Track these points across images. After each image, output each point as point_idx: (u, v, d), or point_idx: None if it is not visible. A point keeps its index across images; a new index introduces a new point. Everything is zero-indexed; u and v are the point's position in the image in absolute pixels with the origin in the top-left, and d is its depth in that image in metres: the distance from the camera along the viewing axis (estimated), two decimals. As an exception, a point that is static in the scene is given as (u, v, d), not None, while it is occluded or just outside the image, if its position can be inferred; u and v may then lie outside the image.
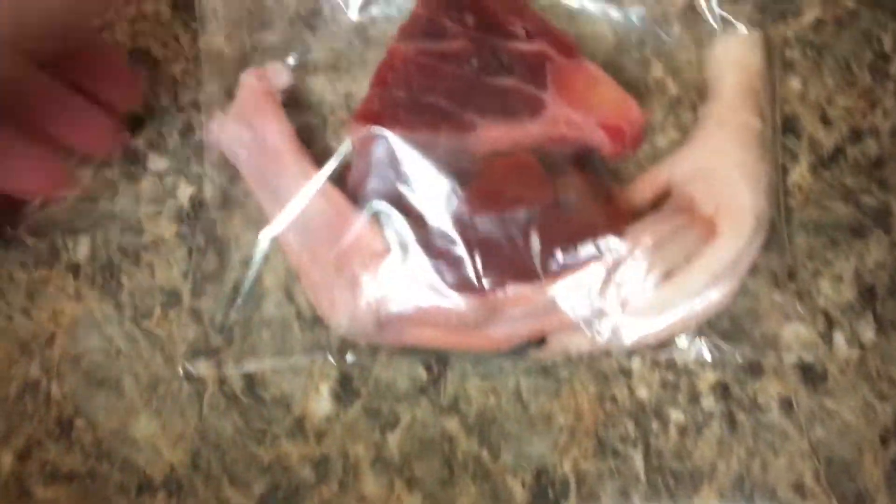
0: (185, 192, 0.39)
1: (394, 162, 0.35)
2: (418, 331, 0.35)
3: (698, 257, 0.34)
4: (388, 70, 0.35)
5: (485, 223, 0.34)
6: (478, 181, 0.34)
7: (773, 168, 0.36)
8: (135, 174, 0.39)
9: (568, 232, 0.34)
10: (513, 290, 0.34)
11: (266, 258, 0.38)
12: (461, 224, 0.34)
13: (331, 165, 0.35)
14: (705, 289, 0.34)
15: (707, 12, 0.39)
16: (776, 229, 0.36)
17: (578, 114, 0.35)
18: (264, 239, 0.36)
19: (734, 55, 0.36)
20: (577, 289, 0.34)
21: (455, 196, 0.34)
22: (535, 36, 0.36)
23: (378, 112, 0.34)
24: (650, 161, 0.38)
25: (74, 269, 0.38)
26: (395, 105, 0.34)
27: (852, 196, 0.38)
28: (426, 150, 0.34)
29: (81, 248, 0.39)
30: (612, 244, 0.34)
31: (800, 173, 0.39)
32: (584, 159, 0.37)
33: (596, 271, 0.34)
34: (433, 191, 0.35)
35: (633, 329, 0.35)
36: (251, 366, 0.38)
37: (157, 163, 0.39)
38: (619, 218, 0.34)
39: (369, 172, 0.35)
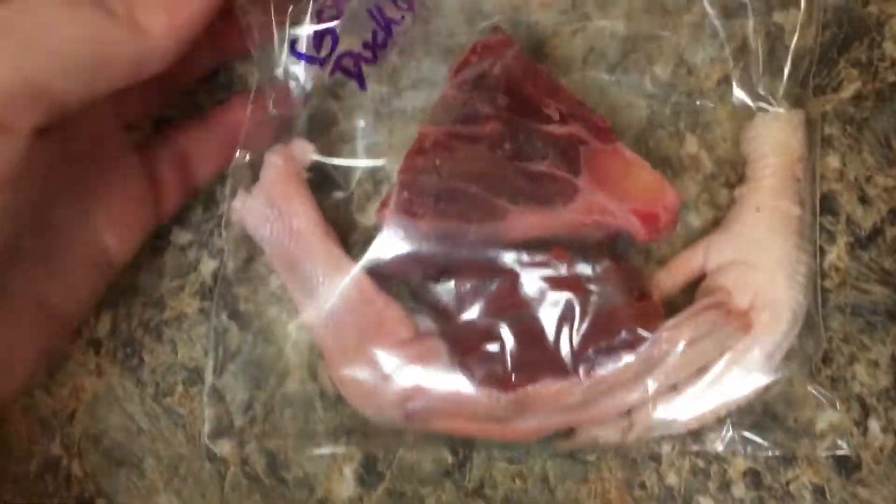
0: (208, 266, 0.38)
1: (423, 251, 0.34)
2: (445, 422, 0.34)
3: (732, 352, 0.33)
4: (418, 154, 0.34)
5: (514, 317, 0.33)
6: (507, 274, 0.33)
7: (812, 257, 0.35)
8: (157, 247, 0.38)
9: (601, 328, 0.33)
10: (543, 385, 0.33)
11: (288, 336, 0.37)
12: (489, 317, 0.34)
13: (362, 258, 0.35)
14: (739, 383, 0.34)
15: (743, 87, 0.38)
16: (813, 317, 0.36)
17: (612, 200, 0.34)
18: (293, 328, 0.35)
19: (773, 136, 0.35)
20: (609, 385, 0.33)
21: (483, 287, 0.34)
22: (570, 118, 0.35)
23: (407, 201, 0.33)
24: (682, 240, 0.38)
25: (96, 345, 0.38)
26: (424, 193, 0.34)
27: (891, 278, 0.38)
28: (456, 239, 0.34)
29: (103, 324, 0.38)
30: (645, 341, 0.33)
31: (837, 254, 0.38)
32: (615, 242, 0.36)
33: (629, 368, 0.33)
34: (461, 279, 0.34)
35: (665, 423, 0.34)
36: (273, 444, 0.37)
37: (179, 236, 0.39)
38: (653, 313, 0.34)
39: (397, 258, 0.35)
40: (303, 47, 0.36)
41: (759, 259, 0.34)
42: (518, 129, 0.35)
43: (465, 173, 0.34)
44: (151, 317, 0.38)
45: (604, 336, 0.33)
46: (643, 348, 0.33)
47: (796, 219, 0.35)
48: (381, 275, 0.35)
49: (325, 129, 0.38)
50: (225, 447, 0.37)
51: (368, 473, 0.37)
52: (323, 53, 0.36)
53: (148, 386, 0.38)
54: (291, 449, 0.38)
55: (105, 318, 0.38)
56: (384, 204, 0.35)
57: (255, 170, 0.37)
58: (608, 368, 0.33)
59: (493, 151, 0.34)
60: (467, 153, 0.34)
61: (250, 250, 0.38)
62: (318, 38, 0.37)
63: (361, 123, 0.38)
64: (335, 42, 0.37)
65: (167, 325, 0.38)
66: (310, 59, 0.36)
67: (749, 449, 0.36)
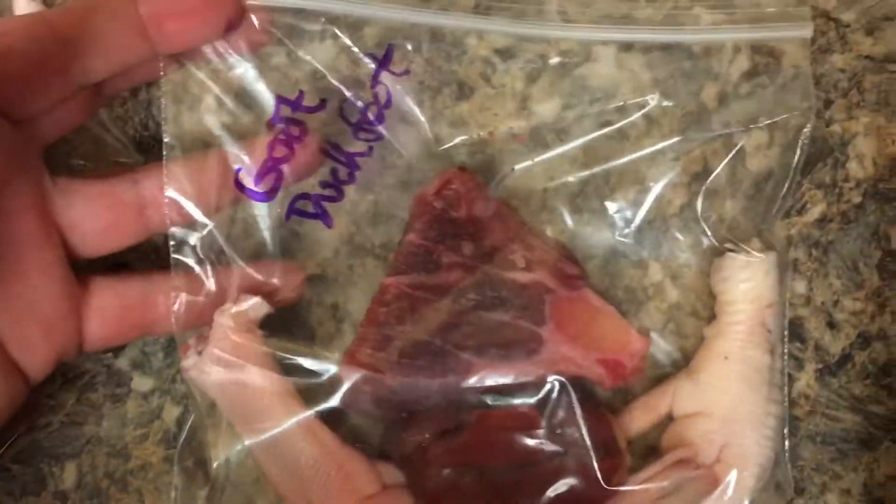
0: (171, 413, 0.39)
1: (385, 402, 0.34)
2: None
3: (699, 507, 0.33)
4: (381, 305, 0.35)
5: (481, 472, 0.33)
6: (473, 430, 0.33)
7: (781, 406, 0.35)
8: (120, 396, 0.39)
9: (567, 484, 0.33)
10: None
11: (256, 481, 0.37)
12: (456, 470, 0.34)
13: (319, 408, 0.35)
14: (707, 535, 0.34)
15: (706, 213, 0.38)
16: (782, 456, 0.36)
17: (578, 350, 0.35)
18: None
19: (743, 282, 0.35)
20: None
21: (450, 439, 0.34)
22: (536, 265, 0.35)
23: (370, 356, 0.33)
24: (648, 371, 0.38)
25: (62, 497, 0.38)
26: (387, 347, 0.34)
27: (861, 405, 0.38)
28: (419, 391, 0.34)
29: (68, 475, 0.38)
30: (613, 498, 0.33)
31: (806, 382, 0.38)
32: (578, 384, 0.36)
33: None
34: (425, 432, 0.34)
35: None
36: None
37: (141, 383, 0.39)
38: (621, 469, 0.34)
39: (361, 410, 0.35)
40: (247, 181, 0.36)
41: (727, 411, 0.34)
42: (483, 279, 0.35)
43: (429, 325, 0.34)
44: (116, 467, 0.38)
45: (569, 493, 0.33)
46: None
47: (765, 368, 0.35)
48: (344, 424, 0.36)
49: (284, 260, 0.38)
50: None
51: None
52: (262, 189, 0.35)
53: (115, 537, 0.38)
54: None
55: (70, 470, 0.38)
56: (346, 358, 0.34)
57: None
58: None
59: (458, 302, 0.34)
60: (431, 304, 0.34)
61: (209, 405, 0.37)
62: (262, 173, 0.36)
63: (320, 258, 0.38)
64: (279, 180, 0.36)
65: (132, 474, 0.38)
66: (251, 194, 0.36)
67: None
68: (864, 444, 0.38)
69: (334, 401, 0.35)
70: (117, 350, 0.39)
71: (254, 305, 0.36)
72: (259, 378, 0.35)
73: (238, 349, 0.35)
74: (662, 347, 0.38)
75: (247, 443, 0.35)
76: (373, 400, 0.34)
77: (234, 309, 0.35)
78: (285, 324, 0.38)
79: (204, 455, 0.38)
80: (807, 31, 0.35)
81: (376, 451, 0.36)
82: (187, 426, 0.38)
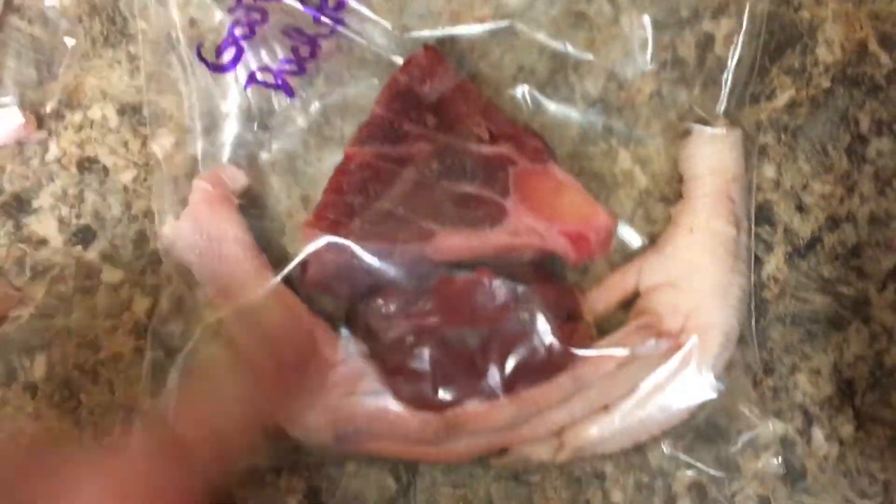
0: (141, 304, 0.39)
1: (348, 270, 0.35)
2: (376, 444, 0.35)
3: (664, 374, 0.34)
4: (344, 175, 0.35)
5: (442, 337, 0.34)
6: (435, 295, 0.34)
7: (746, 278, 0.35)
8: (89, 288, 0.39)
9: (529, 349, 0.34)
10: (471, 406, 0.34)
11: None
12: (418, 337, 0.34)
13: (287, 270, 0.35)
14: (670, 404, 0.34)
15: (676, 101, 0.38)
16: (747, 336, 0.36)
17: (541, 222, 0.35)
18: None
19: (709, 156, 0.36)
20: (538, 406, 0.34)
21: (411, 307, 0.34)
22: (500, 139, 0.36)
23: (332, 220, 0.34)
24: (618, 255, 0.38)
25: (32, 389, 0.39)
26: (349, 213, 0.34)
27: (830, 287, 0.38)
28: (382, 258, 0.34)
29: (38, 367, 0.39)
30: (573, 362, 0.33)
31: (775, 265, 0.38)
32: (546, 262, 0.37)
33: (557, 389, 0.33)
34: (389, 300, 0.35)
35: (596, 443, 0.35)
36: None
37: (111, 275, 0.39)
38: (583, 333, 0.34)
39: (324, 279, 0.35)
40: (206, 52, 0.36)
41: (691, 282, 0.35)
42: (446, 150, 0.35)
43: (392, 194, 0.34)
44: (86, 358, 0.39)
45: (531, 357, 0.34)
46: (572, 369, 0.33)
47: (730, 240, 0.35)
48: (309, 297, 0.36)
49: (253, 158, 0.38)
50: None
51: (313, 505, 0.38)
52: (224, 61, 0.36)
53: (86, 427, 0.38)
54: (236, 485, 0.38)
55: (40, 361, 0.39)
56: (309, 221, 0.35)
57: (182, 202, 0.37)
58: (536, 389, 0.33)
59: (421, 172, 0.35)
60: (394, 174, 0.35)
61: (187, 283, 0.38)
62: (221, 48, 0.37)
63: (289, 150, 0.38)
64: (239, 54, 0.37)
65: (103, 365, 0.39)
66: (212, 66, 0.36)
67: (688, 467, 0.36)
68: (833, 325, 0.38)
69: (300, 257, 0.35)
70: (86, 242, 0.39)
71: (232, 174, 0.36)
72: (233, 244, 0.36)
73: (214, 214, 0.35)
74: (631, 234, 0.39)
75: (221, 312, 0.36)
76: (336, 269, 0.34)
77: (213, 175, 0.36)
78: (256, 213, 0.38)
79: (173, 344, 0.38)
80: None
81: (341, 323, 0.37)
82: (157, 317, 0.38)
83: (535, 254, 0.36)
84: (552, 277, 0.36)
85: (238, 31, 0.36)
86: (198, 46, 0.36)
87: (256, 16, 0.37)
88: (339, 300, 0.36)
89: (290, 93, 0.37)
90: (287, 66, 0.37)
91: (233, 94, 0.37)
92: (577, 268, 0.38)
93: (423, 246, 0.34)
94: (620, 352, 0.34)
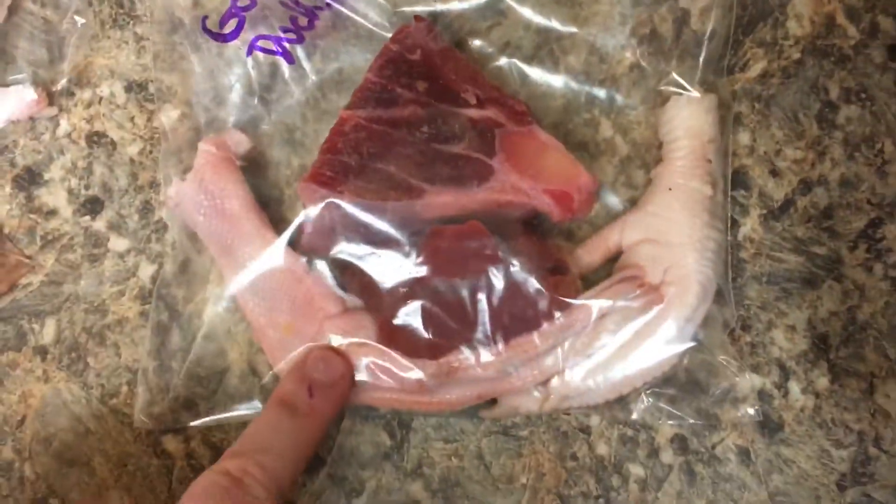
0: (146, 271, 0.41)
1: (343, 225, 0.37)
2: (371, 393, 0.37)
3: (646, 324, 0.36)
4: (339, 136, 0.37)
5: (434, 289, 0.36)
6: (426, 247, 0.36)
7: (722, 234, 0.38)
8: (97, 256, 0.41)
9: (517, 299, 0.35)
10: (463, 354, 0.35)
11: (228, 332, 0.40)
12: (411, 289, 0.36)
13: (288, 231, 0.37)
14: (652, 353, 0.36)
15: (655, 72, 0.40)
16: (724, 290, 0.38)
17: (526, 181, 0.37)
18: (223, 298, 0.38)
19: (685, 119, 0.38)
20: (526, 355, 0.36)
21: (404, 261, 0.36)
22: (487, 103, 0.38)
23: (328, 177, 0.36)
24: (602, 220, 0.40)
25: (42, 352, 0.40)
26: (344, 171, 0.36)
27: (803, 247, 0.40)
28: (375, 214, 0.36)
29: (48, 331, 0.41)
30: (560, 313, 0.35)
31: (751, 226, 0.40)
32: (533, 221, 0.39)
33: (544, 337, 0.35)
34: (382, 255, 0.37)
35: (580, 393, 0.36)
36: (217, 438, 0.40)
37: (117, 243, 0.41)
38: (569, 285, 0.36)
39: (320, 234, 0.37)
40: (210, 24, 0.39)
41: (671, 236, 0.37)
42: (436, 113, 0.37)
43: (384, 154, 0.37)
44: (94, 322, 0.41)
45: (520, 307, 0.36)
46: (558, 318, 0.35)
47: (707, 198, 0.37)
48: (309, 255, 0.38)
49: (254, 129, 0.41)
50: (170, 443, 0.40)
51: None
52: (227, 30, 0.38)
53: (94, 388, 0.40)
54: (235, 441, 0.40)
55: (49, 326, 0.41)
56: (306, 178, 0.37)
57: (186, 171, 0.39)
58: (524, 338, 0.35)
59: (412, 134, 0.37)
60: (386, 136, 0.37)
61: (191, 249, 0.40)
62: (226, 18, 0.39)
63: (288, 122, 0.41)
64: (241, 24, 0.39)
65: (110, 329, 0.41)
66: (215, 36, 0.39)
67: (673, 410, 0.38)
68: (807, 283, 0.40)
69: (300, 218, 0.37)
70: (94, 212, 0.41)
71: (236, 138, 0.39)
72: (236, 203, 0.38)
73: (218, 175, 0.38)
74: (614, 199, 0.41)
75: (223, 270, 0.38)
76: (332, 230, 0.36)
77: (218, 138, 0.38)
78: (255, 184, 0.40)
79: (177, 308, 0.40)
80: None
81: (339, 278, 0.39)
82: (161, 282, 0.40)
83: (521, 212, 0.38)
84: (538, 234, 0.38)
85: (240, 2, 0.38)
86: (203, 18, 0.38)
87: (259, -14, 0.40)
88: (336, 257, 0.38)
89: (289, 59, 0.39)
90: (286, 35, 0.39)
91: (235, 68, 0.39)
92: (565, 229, 0.40)
93: (414, 203, 0.36)
94: (604, 302, 0.36)
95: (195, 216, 0.38)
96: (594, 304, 0.36)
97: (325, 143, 0.37)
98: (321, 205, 0.36)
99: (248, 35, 0.39)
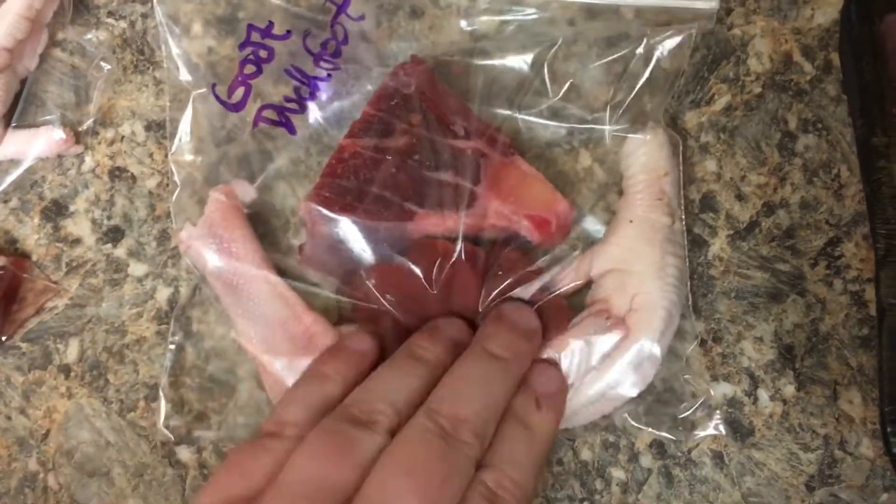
0: (163, 294, 0.45)
1: (340, 242, 0.41)
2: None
3: (618, 350, 0.40)
4: (339, 162, 0.42)
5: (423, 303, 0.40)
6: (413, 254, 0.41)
7: (681, 260, 0.43)
8: (117, 280, 0.46)
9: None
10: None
11: (238, 351, 0.44)
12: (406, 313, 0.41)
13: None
14: (628, 375, 0.40)
15: (627, 106, 0.45)
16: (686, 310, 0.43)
17: (508, 206, 0.42)
18: (232, 337, 0.42)
19: (641, 157, 0.43)
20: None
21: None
22: (474, 135, 0.43)
23: (327, 197, 0.41)
24: (583, 244, 0.45)
25: (66, 370, 0.45)
26: (342, 193, 0.41)
27: (768, 264, 0.45)
28: (369, 233, 0.41)
29: (71, 351, 0.45)
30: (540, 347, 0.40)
31: (719, 246, 0.45)
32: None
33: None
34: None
35: (568, 417, 0.41)
36: (228, 449, 0.44)
37: (137, 269, 0.46)
38: (560, 310, 0.41)
39: (319, 251, 0.42)
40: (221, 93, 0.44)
41: (634, 265, 0.42)
42: (427, 143, 0.42)
43: (379, 179, 0.42)
44: (114, 342, 0.45)
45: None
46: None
47: (665, 228, 0.42)
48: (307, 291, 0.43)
49: (263, 166, 0.46)
50: (184, 454, 0.44)
51: (314, 468, 0.43)
52: (233, 100, 0.44)
53: (113, 403, 0.45)
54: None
55: (73, 346, 0.45)
56: (308, 197, 0.42)
57: (198, 204, 0.44)
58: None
59: (405, 162, 0.42)
60: (381, 163, 0.42)
61: (201, 277, 0.44)
62: (232, 87, 0.45)
63: (293, 157, 0.46)
64: (247, 93, 0.44)
65: (128, 348, 0.45)
66: (226, 106, 0.44)
67: (650, 419, 0.42)
68: (773, 298, 0.45)
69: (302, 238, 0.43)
70: (115, 241, 0.46)
71: (242, 188, 0.44)
72: (242, 247, 0.43)
73: (227, 220, 0.42)
74: (594, 223, 0.45)
75: (227, 303, 0.42)
76: (327, 242, 0.41)
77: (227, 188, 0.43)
78: (264, 211, 0.45)
79: (191, 328, 0.44)
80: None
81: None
82: (177, 304, 0.45)
83: (504, 235, 0.42)
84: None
85: (247, 70, 0.44)
86: (212, 86, 0.44)
87: (264, 53, 0.45)
88: (331, 276, 0.43)
89: (292, 130, 0.45)
90: (289, 105, 0.44)
91: (242, 115, 0.45)
92: (541, 249, 0.44)
93: (405, 224, 0.41)
94: (578, 342, 0.40)
95: (204, 259, 0.42)
96: (565, 339, 0.41)
97: (325, 168, 0.42)
98: (319, 221, 0.41)
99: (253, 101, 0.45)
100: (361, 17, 0.46)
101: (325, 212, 0.41)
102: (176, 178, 0.44)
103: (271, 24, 0.46)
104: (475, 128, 0.43)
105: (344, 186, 0.41)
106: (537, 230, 0.42)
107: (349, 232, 0.41)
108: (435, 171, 0.42)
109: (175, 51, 0.46)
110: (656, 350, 0.41)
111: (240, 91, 0.45)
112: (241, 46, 0.46)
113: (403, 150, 0.42)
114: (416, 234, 0.41)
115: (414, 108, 0.42)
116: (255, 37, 0.46)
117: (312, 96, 0.46)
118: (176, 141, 0.45)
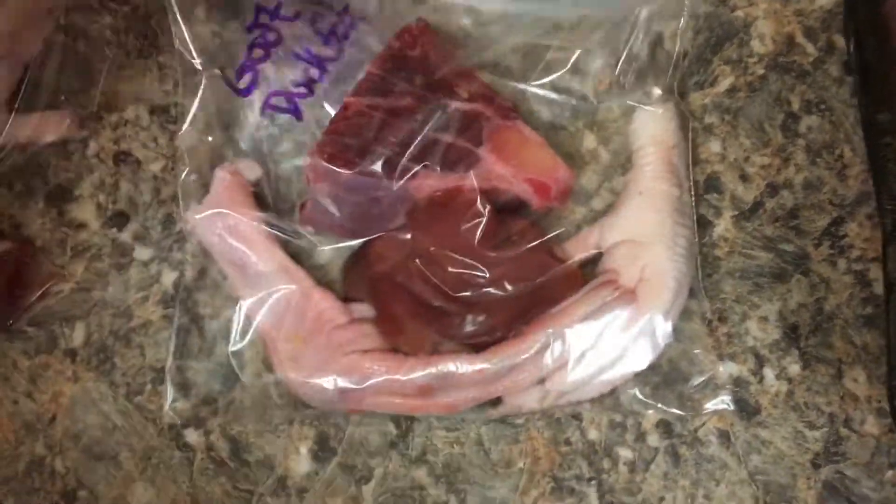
0: (168, 277, 0.46)
1: (343, 197, 0.42)
2: (376, 399, 0.42)
3: (627, 321, 0.41)
4: (342, 120, 0.43)
5: (428, 260, 0.41)
6: (413, 216, 0.42)
7: (691, 231, 0.43)
8: (123, 264, 0.46)
9: (515, 304, 0.41)
10: (460, 361, 0.40)
11: (244, 332, 0.45)
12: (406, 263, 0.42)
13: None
14: (637, 346, 0.41)
15: (631, 88, 0.46)
16: (696, 283, 0.43)
17: (509, 169, 0.43)
18: (238, 314, 0.43)
19: (650, 129, 0.44)
20: (513, 358, 0.41)
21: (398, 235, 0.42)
22: (476, 98, 0.44)
23: (330, 153, 0.41)
24: (589, 223, 0.45)
25: (72, 354, 0.45)
26: (345, 150, 0.42)
27: (772, 244, 0.45)
28: (370, 191, 0.42)
29: (77, 335, 0.46)
30: (545, 316, 0.41)
31: (724, 227, 0.46)
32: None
33: (530, 342, 0.40)
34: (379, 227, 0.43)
35: (576, 388, 0.42)
36: (235, 431, 0.44)
37: (142, 253, 0.46)
38: (573, 276, 0.41)
39: (319, 209, 0.43)
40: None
41: (643, 236, 0.42)
42: (430, 104, 0.43)
43: (382, 138, 0.42)
44: (120, 326, 0.46)
45: (520, 312, 0.41)
46: (542, 323, 0.40)
47: (674, 199, 0.43)
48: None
49: (272, 147, 0.46)
50: (191, 436, 0.44)
51: (322, 450, 0.44)
52: (242, 85, 0.44)
53: (120, 387, 0.45)
54: (252, 434, 0.44)
55: (79, 330, 0.46)
56: (311, 152, 0.43)
57: (203, 187, 0.44)
58: (511, 344, 0.40)
59: (408, 121, 0.42)
60: (384, 122, 0.43)
61: (206, 260, 0.45)
62: (240, 72, 0.45)
63: (297, 139, 0.46)
64: (255, 78, 0.45)
65: (135, 332, 0.46)
66: (234, 90, 0.45)
67: (656, 399, 0.43)
68: (777, 278, 0.45)
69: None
70: (121, 225, 0.47)
71: (248, 166, 0.44)
72: (247, 225, 0.43)
73: (232, 197, 0.43)
74: (600, 203, 0.46)
75: (236, 287, 0.43)
76: (331, 197, 0.41)
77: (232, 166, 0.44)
78: (269, 194, 0.46)
79: (197, 311, 0.45)
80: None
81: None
82: (182, 287, 0.45)
83: (504, 198, 0.43)
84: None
85: (255, 54, 0.45)
86: (220, 69, 0.45)
87: (272, 36, 0.46)
88: (331, 235, 0.44)
89: (299, 116, 0.46)
90: (296, 90, 0.45)
91: (249, 98, 0.45)
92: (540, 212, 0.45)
93: (406, 184, 0.41)
94: (586, 307, 0.41)
95: (211, 237, 0.43)
96: (574, 309, 0.41)
97: (329, 125, 0.42)
98: (322, 176, 0.41)
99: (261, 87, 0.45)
100: (362, 18, 0.47)
101: (328, 166, 0.41)
102: (186, 159, 0.45)
103: (280, 4, 0.46)
104: (478, 91, 0.44)
105: (347, 143, 0.41)
106: (537, 194, 0.43)
107: (351, 188, 0.41)
108: (437, 131, 0.42)
109: (181, 34, 0.46)
110: (666, 320, 0.42)
111: (248, 76, 0.46)
112: (249, 28, 0.46)
113: (406, 110, 0.42)
114: (417, 193, 0.42)
115: (418, 70, 0.43)
116: (264, 18, 0.46)
117: (321, 78, 0.46)
118: (184, 125, 0.46)
